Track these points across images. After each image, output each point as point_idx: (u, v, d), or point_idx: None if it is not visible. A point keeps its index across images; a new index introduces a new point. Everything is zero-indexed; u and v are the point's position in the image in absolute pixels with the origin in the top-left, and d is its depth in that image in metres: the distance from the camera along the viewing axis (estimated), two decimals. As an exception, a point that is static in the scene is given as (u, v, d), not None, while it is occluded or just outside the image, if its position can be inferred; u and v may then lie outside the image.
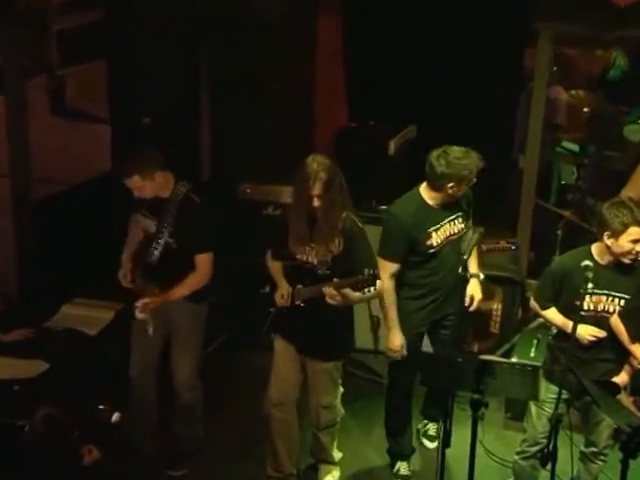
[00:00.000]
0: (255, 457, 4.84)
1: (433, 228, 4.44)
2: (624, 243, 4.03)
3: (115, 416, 4.18)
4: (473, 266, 4.63)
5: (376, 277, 3.98)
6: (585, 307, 4.10)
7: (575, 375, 3.97)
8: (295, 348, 4.42)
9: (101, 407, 4.19)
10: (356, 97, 6.31)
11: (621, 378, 4.19)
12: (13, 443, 3.93)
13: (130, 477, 4.67)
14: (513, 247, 5.83)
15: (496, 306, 5.58)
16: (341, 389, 4.56)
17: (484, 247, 5.41)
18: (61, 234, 5.72)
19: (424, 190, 4.46)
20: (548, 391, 4.24)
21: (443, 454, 3.97)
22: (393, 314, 4.42)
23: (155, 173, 4.34)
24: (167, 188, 4.44)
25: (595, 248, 4.17)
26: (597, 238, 4.14)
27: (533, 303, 4.33)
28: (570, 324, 4.00)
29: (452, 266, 4.40)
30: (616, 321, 4.12)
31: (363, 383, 5.52)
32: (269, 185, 5.75)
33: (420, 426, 5.10)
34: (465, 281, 4.39)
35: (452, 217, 4.50)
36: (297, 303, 4.25)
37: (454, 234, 4.51)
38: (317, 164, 4.08)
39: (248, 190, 5.85)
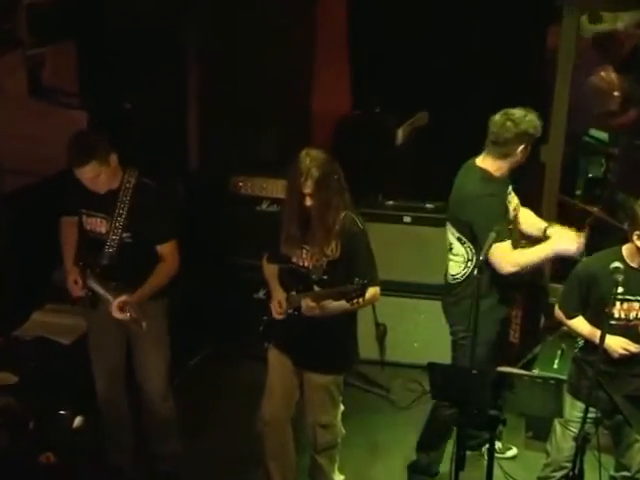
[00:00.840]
0: (245, 481, 4.83)
1: (507, 199, 4.48)
2: (658, 244, 3.97)
3: (77, 421, 4.18)
4: (537, 222, 4.63)
5: (365, 287, 3.92)
6: (616, 315, 4.05)
7: (605, 391, 3.93)
8: (291, 360, 4.38)
9: (62, 412, 4.20)
10: (360, 81, 6.26)
11: (657, 395, 4.15)
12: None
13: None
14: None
15: (515, 313, 5.55)
16: (342, 407, 4.51)
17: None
18: (32, 232, 5.64)
19: (486, 163, 4.45)
20: (574, 408, 4.20)
21: (457, 478, 3.92)
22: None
23: (110, 157, 4.24)
24: (117, 176, 4.35)
25: (626, 249, 4.10)
26: (628, 238, 4.07)
27: (558, 311, 4.27)
28: (599, 334, 3.93)
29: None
30: (651, 331, 4.08)
31: (367, 397, 5.51)
32: (264, 178, 5.71)
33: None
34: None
35: (510, 189, 4.53)
36: (290, 311, 4.21)
37: (514, 209, 4.54)
38: (310, 159, 4.02)
39: (240, 183, 5.81)
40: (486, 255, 4.14)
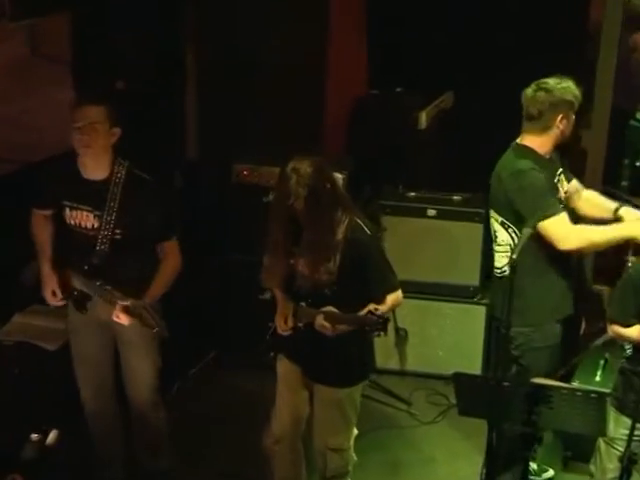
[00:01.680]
0: (248, 505, 4.88)
1: (556, 179, 4.49)
2: None
3: (51, 436, 4.14)
4: (605, 202, 4.63)
5: (387, 322, 3.95)
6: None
7: (655, 406, 3.90)
8: (301, 370, 4.36)
9: (34, 436, 4.17)
10: (379, 56, 6.24)
11: None
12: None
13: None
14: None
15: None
16: (355, 431, 4.48)
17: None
18: (12, 223, 5.62)
19: (526, 141, 4.45)
20: (619, 425, 4.13)
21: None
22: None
23: (115, 126, 4.25)
24: (106, 164, 4.34)
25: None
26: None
27: (612, 326, 4.20)
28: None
29: None
30: None
31: (386, 411, 5.51)
32: (270, 167, 5.68)
33: None
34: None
35: (560, 171, 4.54)
36: (298, 325, 4.22)
37: (566, 192, 4.55)
38: (296, 178, 3.98)
39: (244, 173, 5.83)
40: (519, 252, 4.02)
